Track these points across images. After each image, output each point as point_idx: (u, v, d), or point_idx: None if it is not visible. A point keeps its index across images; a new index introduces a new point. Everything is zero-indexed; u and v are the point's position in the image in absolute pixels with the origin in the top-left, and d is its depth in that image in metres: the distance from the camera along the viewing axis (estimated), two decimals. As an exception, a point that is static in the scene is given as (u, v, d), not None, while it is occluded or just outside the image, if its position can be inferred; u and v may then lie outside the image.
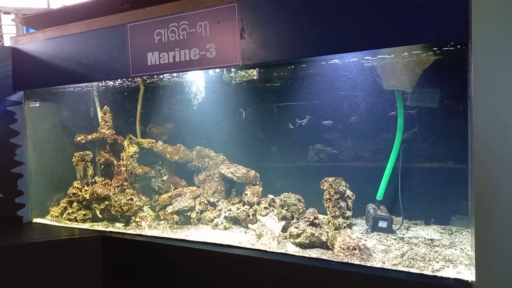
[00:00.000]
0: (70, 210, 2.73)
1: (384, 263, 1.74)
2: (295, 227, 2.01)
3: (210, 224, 2.41)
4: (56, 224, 2.70)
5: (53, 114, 2.93)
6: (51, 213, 2.82)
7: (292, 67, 2.37)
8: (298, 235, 1.98)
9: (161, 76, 2.46)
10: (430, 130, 2.24)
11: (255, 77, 2.59)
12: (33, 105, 2.79)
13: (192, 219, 2.46)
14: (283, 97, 2.70)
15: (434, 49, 1.80)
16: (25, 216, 2.74)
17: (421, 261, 1.75)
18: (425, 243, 1.97)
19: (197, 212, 2.47)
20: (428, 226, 2.26)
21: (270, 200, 2.33)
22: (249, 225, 2.28)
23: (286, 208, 2.27)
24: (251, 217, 2.31)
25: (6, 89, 2.66)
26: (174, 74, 2.35)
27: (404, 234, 2.13)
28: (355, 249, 1.83)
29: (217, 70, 2.24)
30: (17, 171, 2.70)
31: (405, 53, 1.90)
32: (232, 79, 2.66)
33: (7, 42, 4.30)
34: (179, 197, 2.54)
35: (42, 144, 2.84)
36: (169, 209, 2.49)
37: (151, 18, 2.26)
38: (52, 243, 2.42)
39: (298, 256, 1.89)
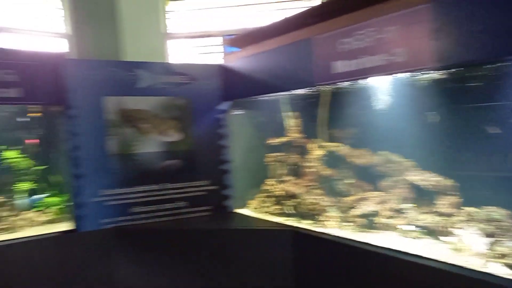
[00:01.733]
0: (265, 204, 3.12)
1: None
2: (504, 246, 1.78)
3: (396, 231, 2.36)
4: (254, 215, 3.12)
5: (251, 120, 3.40)
6: (249, 205, 3.29)
7: (492, 66, 2.08)
8: (508, 255, 1.74)
9: (345, 82, 2.54)
10: None
11: (446, 78, 2.39)
12: (237, 112, 3.31)
13: (377, 224, 2.46)
14: (480, 98, 2.39)
15: None
16: (231, 206, 3.27)
17: None
18: None
19: (382, 218, 2.45)
20: None
21: (468, 212, 2.12)
22: (441, 237, 2.13)
23: (490, 223, 2.02)
24: (444, 229, 2.16)
25: (216, 100, 3.23)
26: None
27: None
28: None
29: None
30: (225, 168, 3.24)
31: None
32: (420, 81, 2.51)
33: (214, 61, 5.15)
34: (364, 200, 2.58)
35: (242, 146, 3.33)
36: (354, 212, 2.56)
37: (335, 29, 2.36)
38: (250, 231, 2.81)
39: (508, 278, 1.67)
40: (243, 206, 3.31)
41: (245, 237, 2.77)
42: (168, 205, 3.08)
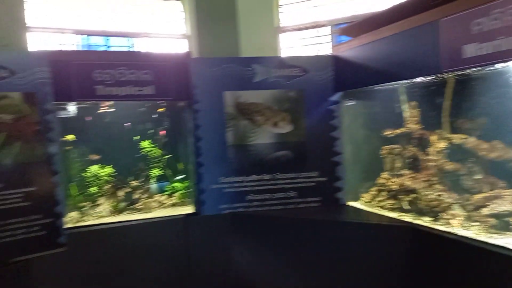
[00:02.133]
0: (378, 198, 3.01)
1: None
2: None
3: (540, 236, 2.08)
4: (366, 209, 3.04)
5: (364, 111, 3.29)
6: (362, 198, 3.21)
7: None
8: None
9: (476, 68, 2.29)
10: None
11: None
12: (348, 103, 3.24)
13: (514, 226, 2.19)
14: None
15: None
16: (342, 199, 3.23)
17: None
18: None
19: (521, 219, 2.18)
20: None
21: None
22: None
23: None
24: None
25: (328, 91, 3.20)
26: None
27: None
28: None
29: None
30: (336, 160, 3.21)
31: None
32: None
33: (324, 52, 5.11)
34: (496, 199, 2.31)
35: (355, 137, 3.26)
36: (484, 211, 2.32)
37: (467, 8, 2.14)
38: (363, 225, 2.74)
39: None
40: (355, 199, 3.25)
41: (357, 231, 2.72)
42: (279, 195, 3.19)
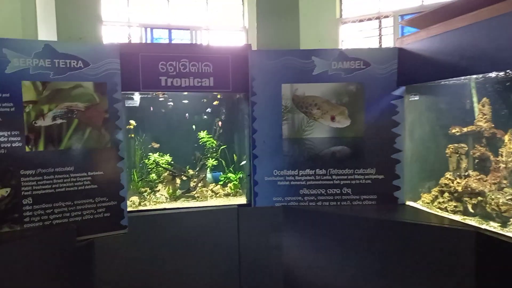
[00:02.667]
0: (440, 200, 2.85)
1: None
2: None
3: None
4: (427, 210, 2.89)
5: (429, 107, 3.11)
6: (422, 198, 3.05)
7: None
8: None
9: None
10: None
11: None
12: (412, 98, 3.08)
13: None
14: None
15: None
16: (400, 198, 3.10)
17: None
18: None
19: None
20: None
21: None
22: None
23: None
24: None
25: (391, 85, 3.06)
26: None
27: None
28: None
29: None
30: (395, 157, 3.08)
31: None
32: None
33: (385, 44, 4.90)
34: None
35: (417, 134, 3.10)
36: None
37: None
38: (423, 227, 2.59)
39: None
40: (414, 199, 3.10)
41: (415, 232, 2.59)
42: (333, 191, 3.12)
